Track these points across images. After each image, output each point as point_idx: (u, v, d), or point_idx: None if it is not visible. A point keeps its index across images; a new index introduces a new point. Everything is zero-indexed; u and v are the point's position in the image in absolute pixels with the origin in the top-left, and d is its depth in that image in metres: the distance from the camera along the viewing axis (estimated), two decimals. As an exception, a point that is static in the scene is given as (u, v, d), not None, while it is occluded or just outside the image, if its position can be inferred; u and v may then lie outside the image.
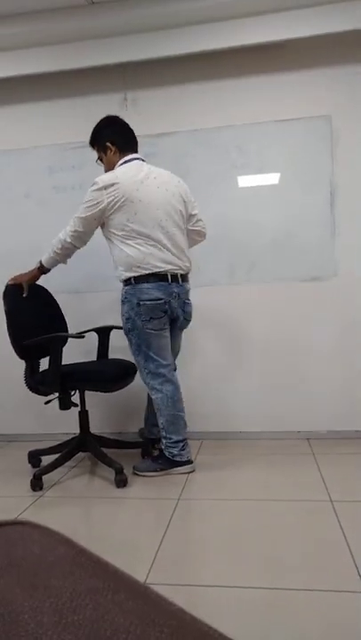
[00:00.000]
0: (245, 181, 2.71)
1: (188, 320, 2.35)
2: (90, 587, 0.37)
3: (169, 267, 2.17)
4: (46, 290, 2.53)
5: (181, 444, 2.23)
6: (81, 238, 2.20)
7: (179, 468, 2.22)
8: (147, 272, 2.13)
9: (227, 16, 2.44)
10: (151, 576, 1.41)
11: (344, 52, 2.58)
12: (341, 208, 2.63)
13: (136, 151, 2.30)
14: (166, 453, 2.23)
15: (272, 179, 2.69)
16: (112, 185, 2.10)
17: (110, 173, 2.19)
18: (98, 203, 2.11)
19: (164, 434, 2.23)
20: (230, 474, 2.23)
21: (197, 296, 2.76)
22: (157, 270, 2.14)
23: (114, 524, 1.80)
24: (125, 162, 2.22)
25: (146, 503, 1.97)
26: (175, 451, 2.21)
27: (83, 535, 1.70)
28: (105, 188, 2.10)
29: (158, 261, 2.14)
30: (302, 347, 2.70)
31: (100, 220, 2.17)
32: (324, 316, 2.68)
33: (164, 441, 2.24)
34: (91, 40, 2.57)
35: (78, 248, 2.24)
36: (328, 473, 2.15)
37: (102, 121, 2.31)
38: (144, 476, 2.23)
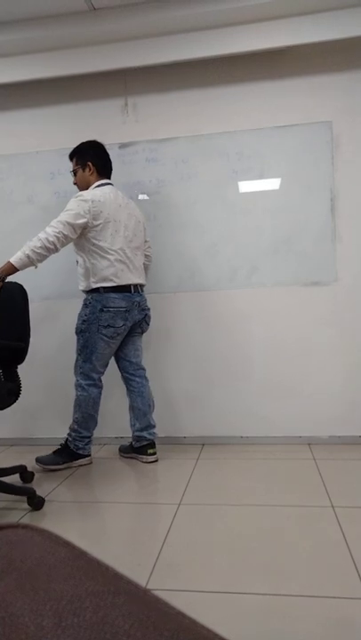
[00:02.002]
0: (246, 187, 2.72)
1: (147, 324, 2.58)
2: (90, 590, 0.37)
3: (133, 281, 2.42)
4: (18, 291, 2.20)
5: (87, 440, 2.48)
6: (62, 242, 2.27)
7: (80, 460, 2.47)
8: (116, 284, 2.36)
9: (227, 23, 2.47)
10: (152, 581, 1.40)
11: (345, 59, 2.60)
12: (342, 213, 2.64)
13: (110, 177, 2.51)
14: (71, 446, 2.45)
15: (273, 184, 2.70)
16: (99, 202, 2.31)
17: (96, 191, 2.36)
18: (84, 213, 2.26)
19: (75, 427, 2.45)
20: (231, 479, 2.22)
21: (198, 300, 2.77)
22: (125, 283, 2.38)
23: (115, 529, 1.80)
24: (101, 184, 2.42)
25: (147, 508, 1.96)
26: (81, 444, 2.46)
27: (83, 540, 1.70)
28: (92, 201, 2.30)
29: (127, 277, 2.39)
30: (303, 351, 2.70)
31: (81, 231, 2.30)
32: (324, 320, 2.68)
33: (73, 434, 2.46)
34: (92, 46, 2.59)
35: (55, 252, 2.29)
36: (329, 478, 2.15)
37: (89, 142, 2.48)
38: (48, 469, 2.41)
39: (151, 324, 2.82)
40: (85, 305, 2.40)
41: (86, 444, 2.47)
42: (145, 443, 2.51)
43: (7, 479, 2.11)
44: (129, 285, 2.40)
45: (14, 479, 2.25)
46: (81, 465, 2.47)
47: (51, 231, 2.22)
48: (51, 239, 2.21)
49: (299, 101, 2.65)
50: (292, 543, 1.61)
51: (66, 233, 2.24)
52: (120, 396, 2.86)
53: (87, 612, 0.34)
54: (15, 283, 2.19)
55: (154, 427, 2.54)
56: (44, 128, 2.88)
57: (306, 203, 2.66)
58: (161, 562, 1.52)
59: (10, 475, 2.18)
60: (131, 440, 2.59)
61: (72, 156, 2.49)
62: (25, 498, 1.99)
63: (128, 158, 2.79)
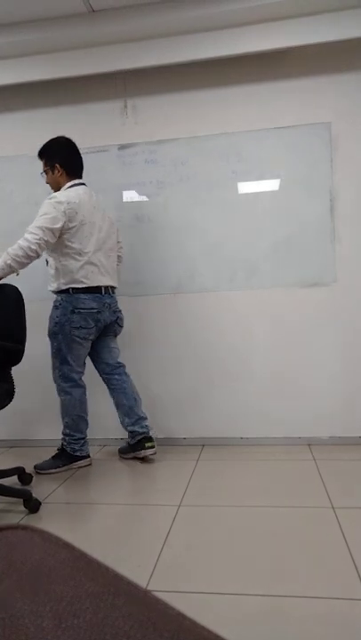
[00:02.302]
0: (245, 188, 2.72)
1: (120, 326, 2.58)
2: (90, 591, 0.37)
3: (103, 283, 2.42)
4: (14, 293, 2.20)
5: (82, 441, 2.48)
6: (43, 248, 2.26)
7: (79, 462, 2.47)
8: (85, 286, 2.35)
9: (227, 24, 2.47)
10: (152, 583, 1.40)
11: (344, 60, 2.61)
12: (341, 214, 2.64)
13: (81, 176, 2.47)
14: (68, 449, 2.46)
15: (272, 185, 2.70)
16: (74, 203, 2.28)
17: (70, 192, 2.34)
18: (61, 216, 2.24)
19: (67, 431, 2.46)
20: (231, 480, 2.22)
21: (198, 302, 2.77)
22: (95, 285, 2.38)
23: (114, 530, 1.80)
24: (74, 185, 2.40)
25: (147, 509, 1.96)
26: (77, 446, 2.46)
27: (83, 541, 1.69)
28: (67, 203, 2.28)
29: (97, 278, 2.39)
30: (303, 352, 2.70)
31: (59, 233, 2.28)
32: (324, 321, 2.68)
33: (66, 438, 2.46)
34: (91, 48, 2.60)
35: (37, 258, 2.27)
36: (330, 479, 2.15)
37: (58, 141, 2.43)
38: (47, 473, 2.40)
39: (150, 325, 2.83)
40: (56, 307, 2.39)
41: (82, 446, 2.47)
42: (140, 437, 2.50)
43: (5, 481, 2.11)
44: (99, 287, 2.39)
45: (12, 481, 2.25)
46: (81, 466, 2.47)
47: (31, 238, 2.19)
48: (33, 247, 2.19)
49: (298, 103, 2.66)
50: (293, 544, 1.61)
51: (46, 239, 2.22)
52: (120, 398, 2.86)
53: (87, 614, 0.34)
54: (10, 285, 2.19)
55: (145, 419, 2.53)
56: (43, 130, 2.87)
57: (305, 204, 2.66)
58: (161, 563, 1.52)
59: (8, 477, 2.18)
60: (127, 440, 2.58)
61: (40, 155, 2.45)
62: (21, 500, 1.99)
63: (127, 160, 2.80)
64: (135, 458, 2.53)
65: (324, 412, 2.68)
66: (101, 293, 2.41)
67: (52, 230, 2.23)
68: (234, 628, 1.19)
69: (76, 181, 2.42)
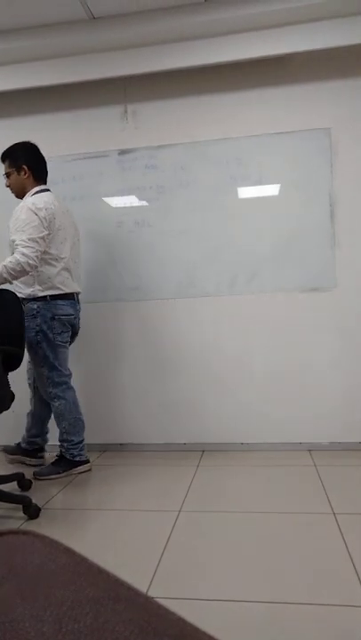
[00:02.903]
0: (245, 193, 2.74)
1: (77, 334, 2.57)
2: (90, 596, 0.37)
3: (76, 289, 2.46)
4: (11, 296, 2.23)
5: (81, 445, 2.46)
6: (40, 258, 2.25)
7: (79, 467, 2.45)
8: (62, 292, 2.36)
9: (227, 30, 2.49)
10: (152, 589, 1.40)
11: (344, 66, 2.62)
12: (341, 220, 2.65)
13: (46, 182, 2.47)
14: (67, 456, 2.44)
15: (272, 190, 2.71)
16: (51, 209, 2.28)
17: (44, 197, 2.33)
18: (42, 222, 2.23)
19: (65, 437, 2.43)
20: (232, 485, 2.22)
21: (198, 307, 2.78)
22: (71, 291, 2.41)
23: (114, 536, 1.79)
24: (42, 190, 2.38)
25: (147, 515, 1.96)
26: (75, 452, 2.44)
27: (82, 547, 1.69)
28: (46, 209, 2.26)
29: (71, 285, 2.42)
30: (303, 357, 2.70)
31: None
32: (324, 326, 2.68)
33: (65, 444, 2.44)
34: (92, 54, 2.62)
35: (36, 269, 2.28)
36: (330, 485, 2.14)
37: (23, 143, 2.43)
38: (47, 479, 2.39)
39: (151, 330, 2.83)
40: (34, 316, 2.33)
41: (81, 450, 2.46)
42: (37, 447, 2.61)
43: (5, 487, 2.10)
44: (73, 293, 2.43)
45: (12, 487, 2.24)
46: (81, 472, 2.46)
47: (29, 252, 2.17)
48: (31, 262, 2.18)
49: (297, 108, 2.67)
50: (294, 550, 1.60)
51: (41, 249, 2.23)
52: (118, 403, 2.86)
53: (88, 619, 0.34)
54: (8, 290, 2.20)
55: (47, 432, 2.64)
56: (44, 135, 2.89)
57: (305, 209, 2.67)
58: (161, 569, 1.51)
59: (7, 482, 2.18)
60: (20, 442, 2.65)
61: (4, 157, 2.43)
62: (21, 506, 1.98)
63: (127, 165, 2.81)
64: (21, 462, 2.62)
65: (324, 418, 2.68)
66: (75, 300, 2.45)
67: (42, 239, 2.23)
68: (235, 634, 1.19)
69: (44, 187, 2.41)
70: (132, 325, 2.83)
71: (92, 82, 2.71)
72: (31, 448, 2.61)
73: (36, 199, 2.30)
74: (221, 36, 2.51)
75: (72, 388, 2.47)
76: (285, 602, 1.31)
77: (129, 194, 2.82)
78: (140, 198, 2.81)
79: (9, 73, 2.70)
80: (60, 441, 2.46)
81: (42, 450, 2.64)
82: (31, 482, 2.31)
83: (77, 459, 2.45)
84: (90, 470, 2.49)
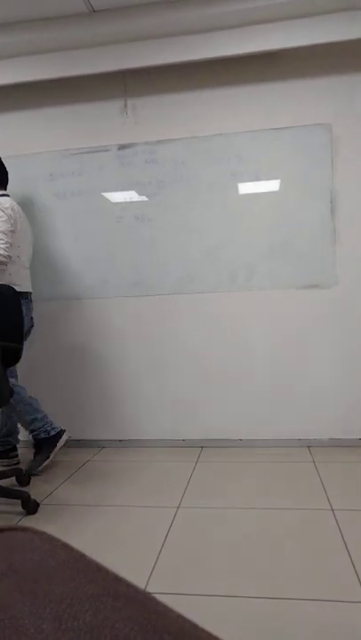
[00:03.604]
0: (245, 189, 2.73)
1: (29, 333, 2.59)
2: (90, 593, 0.37)
3: (30, 289, 2.54)
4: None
5: (47, 419, 2.49)
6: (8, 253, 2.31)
7: (60, 441, 2.50)
8: (24, 290, 2.42)
9: (227, 25, 2.47)
10: (150, 585, 1.40)
11: (344, 61, 2.61)
12: (342, 216, 2.64)
13: (6, 188, 2.56)
14: (43, 435, 2.47)
15: (272, 186, 2.70)
16: (15, 210, 2.37)
17: (9, 200, 2.40)
18: (9, 218, 2.31)
19: (28, 418, 2.45)
20: (230, 482, 2.22)
21: (197, 303, 2.78)
22: (26, 290, 2.48)
23: (113, 532, 1.80)
24: (3, 195, 2.47)
25: (145, 511, 1.96)
26: (48, 427, 2.47)
27: (81, 542, 1.69)
28: (12, 209, 2.35)
29: (28, 284, 2.51)
30: (302, 354, 2.70)
31: None
32: (324, 324, 2.68)
33: (34, 426, 2.46)
34: (92, 48, 2.60)
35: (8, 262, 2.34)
36: (329, 481, 2.15)
37: None
38: (42, 470, 2.42)
39: (150, 326, 2.83)
40: None
41: (52, 424, 2.49)
42: (9, 447, 2.62)
43: (3, 482, 2.11)
44: (28, 293, 2.50)
45: (10, 482, 2.25)
46: (63, 444, 2.50)
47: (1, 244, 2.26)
48: (5, 253, 2.27)
49: (298, 104, 2.66)
50: (292, 546, 1.61)
51: (10, 242, 2.30)
52: (117, 399, 2.87)
53: (87, 616, 0.34)
54: (6, 285, 2.19)
55: (18, 432, 2.65)
56: (44, 129, 2.89)
57: (305, 205, 2.67)
58: (160, 565, 1.51)
59: (6, 478, 2.18)
60: None
61: None
62: (20, 501, 1.99)
63: (127, 160, 2.80)
64: None
65: (323, 414, 2.69)
66: (28, 299, 2.50)
67: (12, 232, 2.31)
68: (233, 630, 1.19)
69: (3, 192, 2.50)
70: (130, 321, 2.83)
71: (91, 76, 2.69)
72: (3, 449, 2.62)
73: (2, 199, 2.39)
74: (222, 30, 2.49)
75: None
76: (284, 597, 1.32)
77: (129, 189, 2.81)
78: (140, 193, 2.81)
79: (8, 67, 2.69)
80: (30, 431, 2.48)
81: (15, 449, 2.65)
82: (30, 477, 2.31)
83: (53, 432, 2.48)
84: (70, 438, 2.58)
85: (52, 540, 0.43)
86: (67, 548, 0.43)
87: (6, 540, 0.43)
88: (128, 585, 0.39)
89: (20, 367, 2.87)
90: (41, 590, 0.36)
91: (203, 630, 0.36)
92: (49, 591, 0.36)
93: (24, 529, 0.45)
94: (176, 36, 2.53)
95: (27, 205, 2.90)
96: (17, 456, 2.64)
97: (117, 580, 0.40)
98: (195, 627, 0.36)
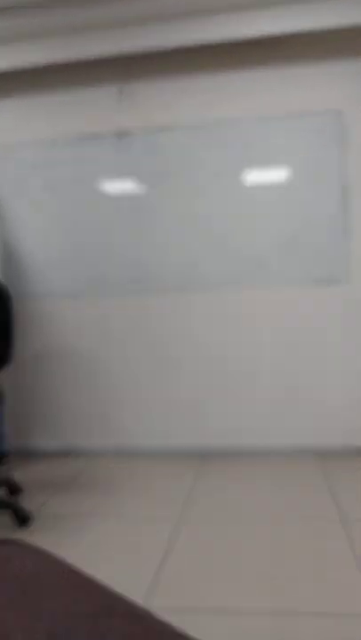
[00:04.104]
0: (252, 178, 2.66)
1: None
2: (85, 610, 0.35)
3: None
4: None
5: None
6: None
7: None
8: None
9: (233, 6, 2.40)
10: (150, 599, 1.38)
11: (355, 46, 2.55)
12: (354, 206, 2.58)
13: None
14: None
15: (280, 175, 2.64)
16: None
17: None
18: None
19: None
20: (233, 491, 2.20)
21: (200, 300, 2.72)
22: None
23: (109, 544, 1.77)
24: None
25: (144, 522, 1.93)
26: None
27: (76, 555, 1.66)
28: None
29: None
30: (312, 355, 2.65)
31: None
32: (335, 322, 2.63)
33: None
34: (87, 31, 2.53)
35: None
36: (339, 490, 2.11)
37: None
38: None
39: (151, 324, 2.76)
40: None
41: None
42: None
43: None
44: None
45: (3, 493, 2.21)
46: None
47: None
48: None
49: (308, 89, 2.60)
50: (300, 559, 1.58)
51: None
52: (116, 405, 2.82)
53: (81, 633, 0.33)
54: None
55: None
56: (38, 116, 2.80)
57: (316, 195, 2.60)
58: (159, 578, 1.49)
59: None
60: None
61: None
62: (12, 512, 1.95)
63: (125, 147, 2.73)
64: None
65: (333, 420, 2.63)
66: None
67: None
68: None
69: None
70: (131, 318, 2.76)
71: (88, 61, 2.63)
72: None
73: None
74: (225, 12, 2.42)
75: None
76: (291, 612, 1.30)
77: (128, 178, 2.75)
78: (140, 183, 2.74)
79: (2, 52, 2.61)
80: None
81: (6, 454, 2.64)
82: (22, 488, 2.28)
83: None
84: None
85: (44, 554, 0.42)
86: (60, 563, 0.42)
87: (-2, 554, 0.42)
88: (122, 600, 0.38)
89: (11, 369, 2.82)
90: (34, 606, 0.35)
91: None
92: (42, 607, 0.35)
93: (17, 543, 0.43)
94: (179, 18, 2.46)
95: (18, 193, 2.84)
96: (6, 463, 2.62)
97: (111, 595, 0.39)
98: (192, 643, 0.35)
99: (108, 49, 2.56)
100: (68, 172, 2.79)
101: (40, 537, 1.85)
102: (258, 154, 2.65)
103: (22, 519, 1.94)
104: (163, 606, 1.36)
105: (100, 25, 2.53)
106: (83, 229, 2.78)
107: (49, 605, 0.36)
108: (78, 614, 0.35)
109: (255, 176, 2.66)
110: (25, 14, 2.51)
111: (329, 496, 2.08)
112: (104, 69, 2.75)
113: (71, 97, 2.80)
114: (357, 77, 2.59)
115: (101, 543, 1.78)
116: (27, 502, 2.14)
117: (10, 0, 2.44)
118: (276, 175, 2.65)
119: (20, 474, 2.48)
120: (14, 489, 2.26)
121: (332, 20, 2.39)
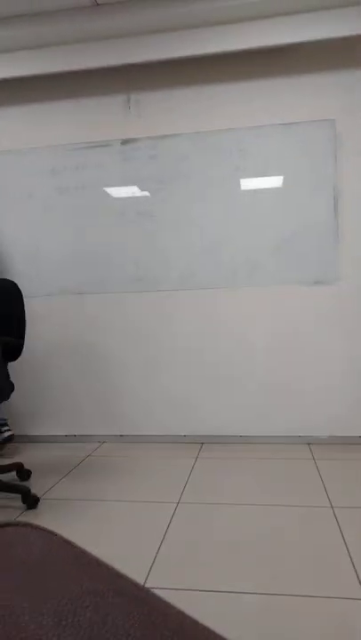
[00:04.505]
0: (248, 184, 2.72)
1: None
2: (90, 589, 0.36)
3: None
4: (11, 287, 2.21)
5: None
6: None
7: None
8: None
9: (231, 19, 2.45)
10: (150, 580, 1.41)
11: (348, 57, 2.60)
12: (345, 212, 2.64)
13: None
14: None
15: (275, 182, 2.69)
16: None
17: None
18: None
19: None
20: (230, 478, 2.23)
21: (199, 299, 2.77)
22: None
23: (113, 527, 1.80)
24: None
25: (145, 506, 1.96)
26: None
27: (81, 537, 1.70)
28: None
29: None
30: (304, 350, 2.70)
31: None
32: (326, 319, 2.68)
33: None
34: (95, 41, 2.58)
35: None
36: (329, 478, 2.15)
37: None
38: None
39: (151, 322, 2.82)
40: None
41: None
42: None
43: (3, 477, 2.11)
44: None
45: (11, 477, 2.25)
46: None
47: None
48: None
49: (302, 99, 2.64)
50: (292, 543, 1.61)
51: None
52: (118, 394, 2.87)
53: (87, 612, 0.34)
54: (9, 280, 2.19)
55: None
56: (46, 124, 2.88)
57: (309, 201, 2.66)
58: (159, 560, 1.52)
59: (6, 472, 2.19)
60: None
61: None
62: (20, 496, 1.99)
63: (130, 154, 2.79)
64: None
65: (324, 411, 2.69)
66: None
67: None
68: (232, 625, 1.19)
69: None
70: (132, 317, 2.82)
71: (95, 70, 2.68)
72: None
73: None
74: (226, 24, 2.48)
75: None
76: (283, 594, 1.32)
77: (131, 184, 2.80)
78: (143, 189, 2.80)
79: (11, 60, 2.68)
80: None
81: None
82: (30, 471, 2.32)
83: None
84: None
85: (51, 535, 0.43)
86: (67, 544, 0.43)
87: (5, 535, 0.43)
88: (129, 582, 0.39)
89: (21, 362, 2.88)
90: (41, 586, 0.36)
91: (203, 627, 0.36)
92: (49, 587, 0.36)
93: (24, 525, 0.45)
94: (180, 30, 2.51)
95: (28, 200, 2.90)
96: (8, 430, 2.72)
97: (118, 576, 0.40)
98: (195, 623, 0.36)
99: (115, 59, 2.59)
100: (75, 177, 2.82)
101: (47, 519, 1.88)
102: (253, 161, 2.68)
103: (31, 502, 1.98)
104: (162, 585, 1.37)
105: (107, 35, 2.55)
106: (88, 232, 2.81)
107: (56, 586, 0.37)
108: (84, 594, 0.36)
109: (251, 182, 2.70)
110: (33, 24, 2.53)
111: (319, 482, 2.11)
112: (111, 79, 2.77)
113: (79, 105, 2.82)
114: (350, 87, 2.61)
115: (106, 525, 1.79)
116: (35, 486, 2.18)
117: (19, 9, 2.46)
118: (270, 182, 2.68)
119: (28, 459, 2.52)
120: (23, 473, 2.30)
121: (326, 32, 2.41)
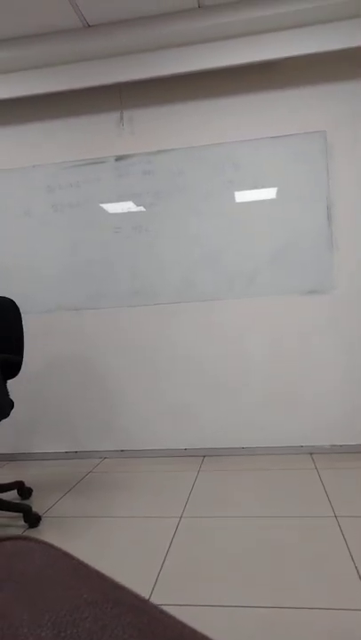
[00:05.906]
0: (242, 197, 2.75)
1: None
2: (89, 600, 0.37)
3: None
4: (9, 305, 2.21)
5: None
6: None
7: None
8: None
9: (221, 36, 2.51)
10: (154, 595, 1.39)
11: (338, 69, 2.64)
12: (338, 222, 2.66)
13: None
14: None
15: (269, 194, 2.72)
16: None
17: None
18: None
19: None
20: (233, 490, 2.21)
21: (196, 311, 2.78)
22: None
23: (115, 543, 1.78)
24: None
25: (148, 522, 1.95)
26: None
27: (83, 554, 1.68)
28: None
29: None
30: (302, 360, 2.70)
31: None
32: (323, 329, 2.69)
33: None
34: (87, 61, 2.64)
35: None
36: (332, 488, 2.14)
37: None
38: None
39: (149, 335, 2.83)
40: None
41: None
42: None
43: (5, 495, 2.10)
44: None
45: (12, 495, 2.24)
46: None
47: None
48: None
49: (293, 112, 2.69)
50: (296, 554, 1.60)
51: None
52: (118, 409, 2.86)
53: (86, 623, 0.34)
54: (6, 297, 2.21)
55: None
56: (41, 142, 2.92)
57: (302, 212, 2.69)
58: (163, 576, 1.50)
59: (7, 491, 2.17)
60: None
61: None
62: (21, 514, 1.98)
63: (124, 170, 2.82)
64: None
65: (325, 421, 2.68)
66: None
67: None
68: (235, 639, 1.18)
69: None
70: (131, 331, 2.83)
71: (87, 89, 2.73)
72: None
73: None
74: (216, 41, 2.53)
75: None
76: (287, 607, 1.31)
77: (126, 200, 2.83)
78: (138, 204, 2.82)
79: (5, 82, 2.72)
80: None
81: None
82: (31, 489, 2.30)
83: None
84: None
85: (51, 548, 0.44)
86: (66, 556, 0.43)
87: (6, 549, 0.43)
88: (128, 592, 0.40)
89: (20, 379, 2.88)
90: (40, 598, 0.36)
91: (202, 636, 0.36)
92: (48, 599, 0.36)
93: (24, 538, 0.45)
94: (170, 47, 2.57)
95: (24, 218, 2.92)
96: None
97: (117, 587, 0.40)
98: (194, 632, 0.36)
99: (107, 78, 2.63)
100: (71, 194, 2.85)
101: (49, 537, 1.85)
102: (247, 174, 2.71)
103: (32, 520, 1.97)
104: (166, 601, 1.36)
105: (99, 55, 2.61)
106: (85, 248, 2.84)
107: (55, 597, 0.37)
108: (83, 605, 0.36)
109: (245, 195, 2.73)
110: (26, 46, 2.59)
111: (323, 492, 2.09)
112: (104, 97, 2.82)
113: (73, 124, 2.87)
114: (340, 100, 2.66)
115: (108, 541, 1.78)
116: (36, 504, 2.16)
117: (12, 32, 2.52)
118: (264, 193, 2.71)
119: (29, 477, 2.51)
120: (24, 491, 2.28)
121: (315, 46, 2.47)
